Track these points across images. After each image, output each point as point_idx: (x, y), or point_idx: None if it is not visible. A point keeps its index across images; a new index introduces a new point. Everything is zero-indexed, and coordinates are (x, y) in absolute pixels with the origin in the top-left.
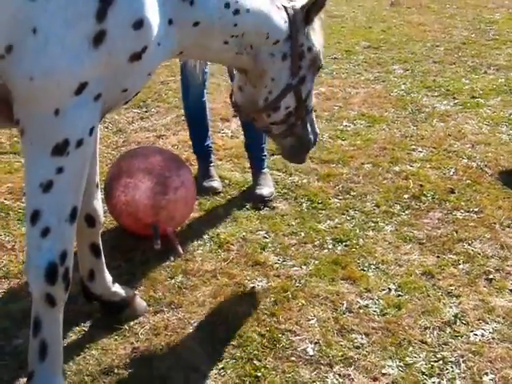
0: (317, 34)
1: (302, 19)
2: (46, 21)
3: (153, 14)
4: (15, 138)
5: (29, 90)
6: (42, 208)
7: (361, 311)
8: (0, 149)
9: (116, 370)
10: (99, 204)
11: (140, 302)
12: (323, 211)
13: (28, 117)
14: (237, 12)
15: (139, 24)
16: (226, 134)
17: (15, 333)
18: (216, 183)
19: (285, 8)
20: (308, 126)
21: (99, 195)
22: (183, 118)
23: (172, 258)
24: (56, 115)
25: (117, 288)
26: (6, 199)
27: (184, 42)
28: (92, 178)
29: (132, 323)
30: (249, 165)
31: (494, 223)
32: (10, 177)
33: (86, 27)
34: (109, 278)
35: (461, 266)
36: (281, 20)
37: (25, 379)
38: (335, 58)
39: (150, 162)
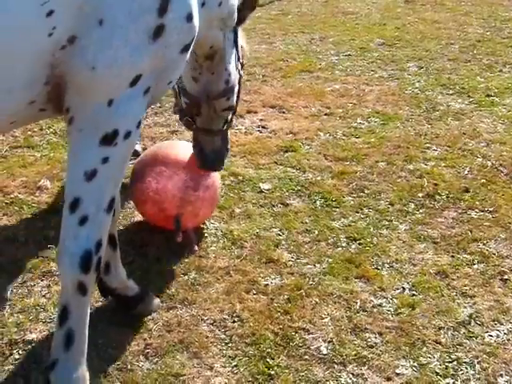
0: (241, 34)
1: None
2: (113, 13)
3: (196, 5)
4: (29, 132)
5: (88, 80)
6: (83, 196)
7: (374, 310)
8: (14, 142)
9: (129, 366)
10: (117, 195)
11: (153, 298)
12: (337, 209)
13: (80, 106)
14: None
15: (190, 17)
16: (240, 130)
17: (29, 327)
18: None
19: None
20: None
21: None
22: None
23: (186, 255)
24: (109, 106)
25: (131, 283)
26: (19, 193)
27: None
28: None
29: (145, 319)
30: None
31: (509, 223)
32: (24, 171)
33: (148, 21)
34: (123, 271)
35: (475, 266)
36: (235, 9)
37: (38, 374)
38: (349, 55)
39: (187, 155)
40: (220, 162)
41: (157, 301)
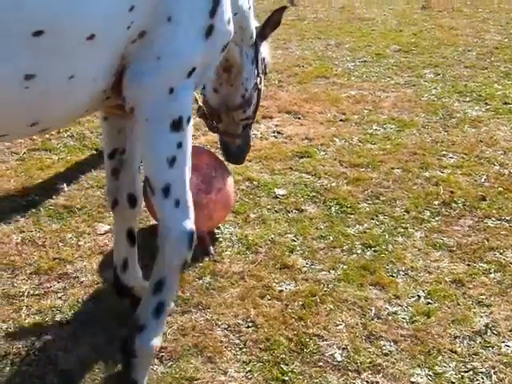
0: (267, 49)
1: (258, 35)
2: (179, 12)
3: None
4: (47, 135)
5: (153, 69)
6: (172, 181)
7: (389, 318)
8: (32, 145)
9: None
10: (140, 186)
11: None
12: (352, 215)
13: (141, 95)
14: (240, 8)
15: (229, 21)
16: (255, 135)
17: (45, 329)
18: None
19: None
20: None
21: (140, 178)
22: None
23: (200, 259)
24: (170, 93)
25: (147, 284)
26: (37, 195)
27: None
28: (135, 161)
29: None
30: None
31: None
32: (42, 173)
33: (203, 21)
34: (140, 271)
35: (492, 275)
36: (254, 33)
37: (54, 375)
38: (365, 61)
39: (197, 159)
40: (243, 157)
41: (171, 305)
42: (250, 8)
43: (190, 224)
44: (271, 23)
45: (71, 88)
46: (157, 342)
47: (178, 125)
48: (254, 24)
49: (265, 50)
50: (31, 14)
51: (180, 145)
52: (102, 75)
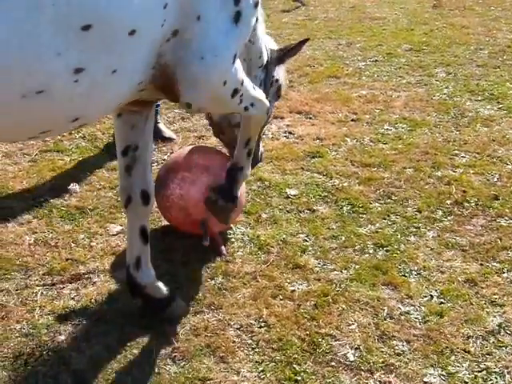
0: (282, 72)
1: (275, 58)
2: (206, 9)
3: None
4: (59, 137)
5: (201, 68)
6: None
7: (402, 318)
8: (44, 147)
9: (156, 370)
10: (152, 182)
11: (180, 303)
12: (364, 215)
13: (198, 95)
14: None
15: (257, 3)
16: (267, 135)
17: (58, 329)
18: (170, 133)
19: (265, 47)
20: (261, 143)
21: (151, 174)
22: None
23: (212, 259)
24: (224, 85)
25: (160, 284)
26: (49, 196)
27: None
28: (148, 157)
29: (172, 323)
30: None
31: None
32: (54, 174)
33: (229, 9)
34: (152, 270)
35: (505, 275)
36: (265, 53)
37: (67, 375)
38: (376, 60)
39: (209, 159)
40: (254, 162)
41: (183, 305)
42: (257, 20)
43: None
44: (293, 52)
45: (113, 82)
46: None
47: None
48: (266, 42)
49: (280, 72)
50: (80, 8)
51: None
52: (141, 70)
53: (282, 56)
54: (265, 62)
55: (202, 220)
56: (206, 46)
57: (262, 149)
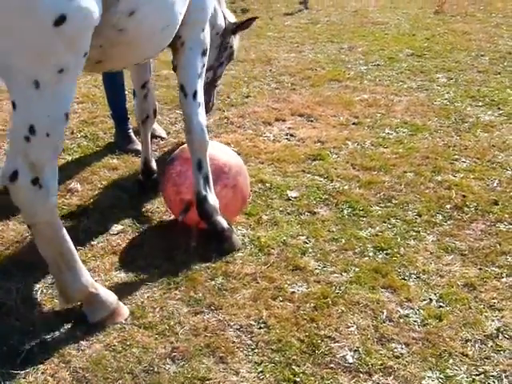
0: (236, 41)
1: (231, 29)
2: None
3: None
4: None
5: (199, 15)
6: (198, 89)
7: (401, 321)
8: None
9: (156, 369)
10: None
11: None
12: (364, 218)
13: (189, 33)
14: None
15: None
16: (268, 137)
17: (58, 327)
18: (139, 146)
19: (224, 18)
20: (214, 94)
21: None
22: (226, 120)
23: (213, 260)
24: (203, 31)
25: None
26: None
27: None
28: (152, 88)
29: (172, 323)
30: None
31: None
32: None
33: None
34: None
35: (504, 279)
36: (222, 23)
37: (67, 373)
38: (378, 64)
39: (217, 151)
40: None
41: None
42: None
43: (205, 120)
44: (243, 26)
45: (170, 30)
46: (216, 202)
47: (205, 52)
48: (226, 14)
49: (235, 41)
50: None
51: (204, 65)
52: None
53: (235, 28)
54: (222, 29)
55: (188, 201)
56: (200, 5)
57: (214, 100)
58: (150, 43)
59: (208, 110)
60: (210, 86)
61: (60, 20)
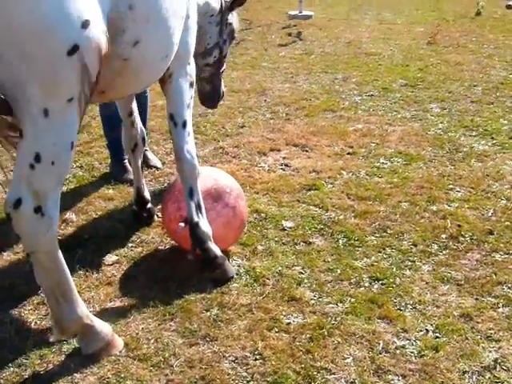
0: (235, 18)
1: (228, 7)
2: (191, 16)
3: None
4: None
5: (185, 48)
6: (187, 119)
7: (397, 352)
8: None
9: None
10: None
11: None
12: (360, 248)
13: (177, 65)
14: None
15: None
16: (263, 167)
17: (52, 359)
18: (156, 161)
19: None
20: (222, 82)
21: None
22: (221, 150)
23: (208, 291)
24: (189, 65)
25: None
26: None
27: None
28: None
29: (167, 355)
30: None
31: None
32: None
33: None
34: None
35: (500, 310)
36: (218, 4)
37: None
38: (372, 95)
39: (220, 174)
40: (214, 101)
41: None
42: None
43: (194, 148)
44: (239, 2)
45: (168, 59)
46: (208, 227)
47: (192, 84)
48: (219, 2)
49: (233, 18)
50: (181, 6)
51: (191, 96)
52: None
53: (232, 5)
54: (218, 8)
55: (186, 218)
56: (187, 38)
57: (223, 88)
58: (150, 72)
59: (219, 97)
60: (216, 69)
61: (73, 50)
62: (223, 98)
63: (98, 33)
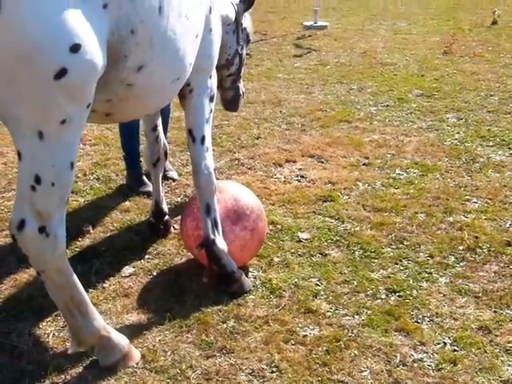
0: (248, 20)
1: (241, 10)
2: (214, 26)
3: None
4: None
5: (207, 62)
6: (206, 134)
7: (415, 365)
8: None
9: None
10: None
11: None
12: (376, 260)
13: (197, 80)
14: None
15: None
16: (279, 178)
17: (70, 371)
18: (151, 188)
19: (232, 4)
20: (242, 83)
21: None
22: (236, 161)
23: (225, 303)
24: (210, 78)
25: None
26: None
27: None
28: (162, 130)
29: (184, 367)
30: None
31: None
32: (68, 216)
33: (219, 30)
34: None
35: None
36: (232, 11)
37: None
38: (387, 105)
39: (241, 191)
40: (236, 105)
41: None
42: None
43: (212, 164)
44: (248, 4)
45: (181, 82)
46: (224, 245)
47: (212, 98)
48: (233, 9)
49: (246, 21)
50: (195, 25)
51: (211, 111)
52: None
53: (245, 7)
54: (233, 16)
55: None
56: (208, 52)
57: (243, 89)
58: (159, 96)
59: (238, 103)
60: (237, 75)
61: (60, 73)
62: (243, 96)
63: (91, 57)
